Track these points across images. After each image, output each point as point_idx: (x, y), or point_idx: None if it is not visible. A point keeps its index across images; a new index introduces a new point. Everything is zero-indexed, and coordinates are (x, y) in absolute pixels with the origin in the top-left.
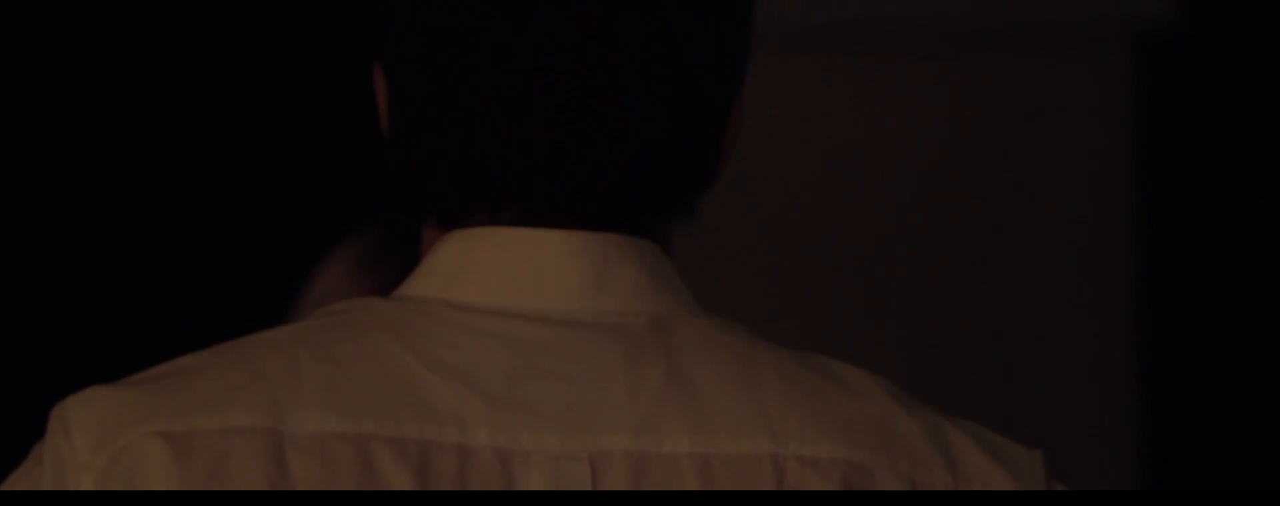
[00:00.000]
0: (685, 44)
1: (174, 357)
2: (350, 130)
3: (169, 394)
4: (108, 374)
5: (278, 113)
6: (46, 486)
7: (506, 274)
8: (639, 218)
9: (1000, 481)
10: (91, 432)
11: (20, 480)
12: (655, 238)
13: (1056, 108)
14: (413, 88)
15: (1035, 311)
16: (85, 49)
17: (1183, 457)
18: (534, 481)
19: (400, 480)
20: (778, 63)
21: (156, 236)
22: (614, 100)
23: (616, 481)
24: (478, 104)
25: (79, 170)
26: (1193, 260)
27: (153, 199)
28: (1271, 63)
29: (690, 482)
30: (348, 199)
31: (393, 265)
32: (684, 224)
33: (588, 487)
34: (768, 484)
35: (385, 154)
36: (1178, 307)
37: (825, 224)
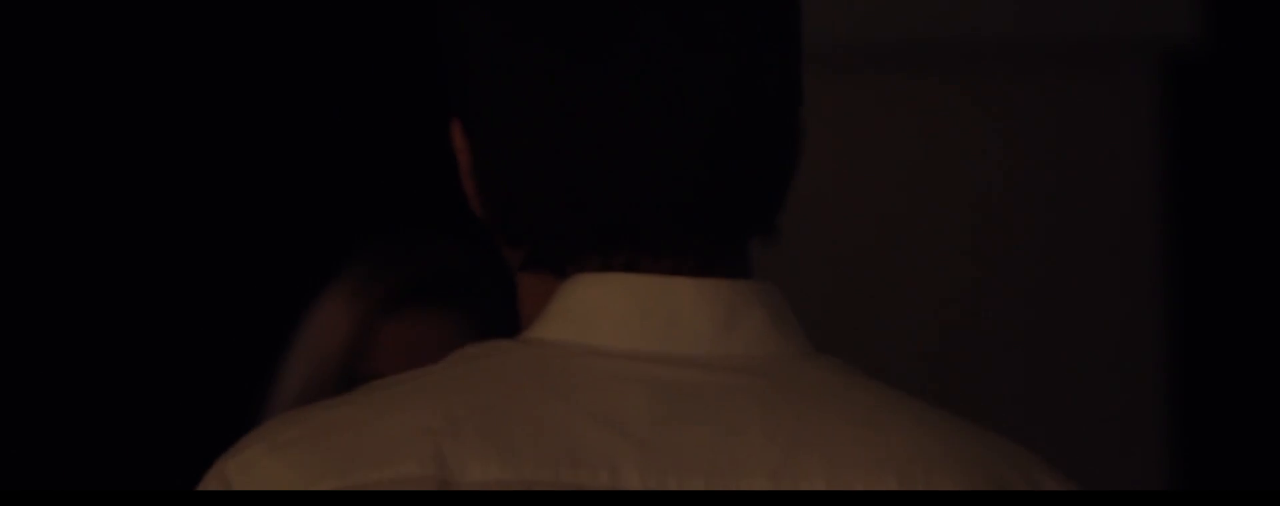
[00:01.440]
0: (756, 66)
1: (169, 365)
2: (346, 160)
3: (332, 450)
4: (108, 381)
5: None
6: None
7: (640, 318)
8: (738, 241)
9: None
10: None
11: None
12: (752, 269)
13: (1084, 124)
14: (506, 143)
15: (1065, 326)
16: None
17: (1211, 464)
18: None
19: None
20: (807, 84)
21: (155, 248)
22: (703, 129)
23: None
24: (577, 152)
25: (78, 177)
26: (1221, 275)
27: (149, 211)
28: None
29: None
30: (344, 222)
31: (389, 294)
32: (768, 244)
33: None
34: None
35: (481, 208)
36: (1206, 322)
37: (854, 240)
